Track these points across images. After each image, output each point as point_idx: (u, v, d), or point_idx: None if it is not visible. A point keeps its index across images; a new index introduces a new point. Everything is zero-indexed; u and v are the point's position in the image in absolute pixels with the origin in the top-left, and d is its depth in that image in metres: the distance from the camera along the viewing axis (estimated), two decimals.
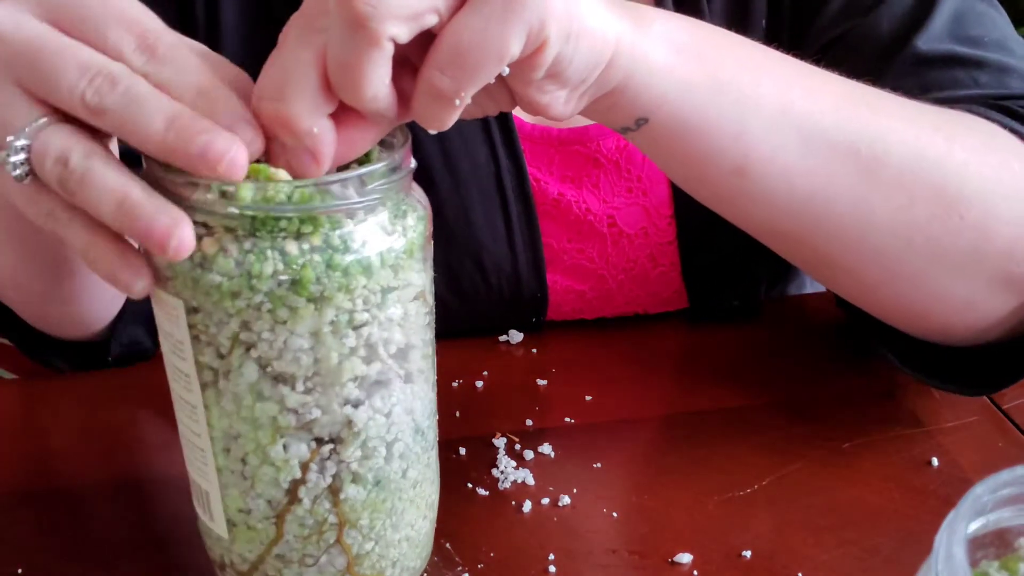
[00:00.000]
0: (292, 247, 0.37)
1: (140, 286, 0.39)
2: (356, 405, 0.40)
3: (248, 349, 0.39)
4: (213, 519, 0.44)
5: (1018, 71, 0.59)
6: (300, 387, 0.39)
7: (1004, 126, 0.53)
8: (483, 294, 0.68)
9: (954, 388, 0.58)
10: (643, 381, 0.65)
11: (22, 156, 0.37)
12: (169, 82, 0.37)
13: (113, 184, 0.37)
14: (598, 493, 0.55)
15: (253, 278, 0.37)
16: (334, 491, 0.42)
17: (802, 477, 0.55)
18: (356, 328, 0.39)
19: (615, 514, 0.53)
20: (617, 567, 0.50)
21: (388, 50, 0.36)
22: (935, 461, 0.56)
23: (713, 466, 0.57)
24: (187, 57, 0.38)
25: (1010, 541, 0.37)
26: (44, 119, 0.38)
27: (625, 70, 0.43)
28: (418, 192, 0.42)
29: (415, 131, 0.42)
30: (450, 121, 0.40)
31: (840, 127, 0.48)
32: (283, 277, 0.37)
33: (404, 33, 0.36)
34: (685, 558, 0.50)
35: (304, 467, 0.41)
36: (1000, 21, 0.62)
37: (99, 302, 0.60)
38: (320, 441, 0.41)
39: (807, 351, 0.65)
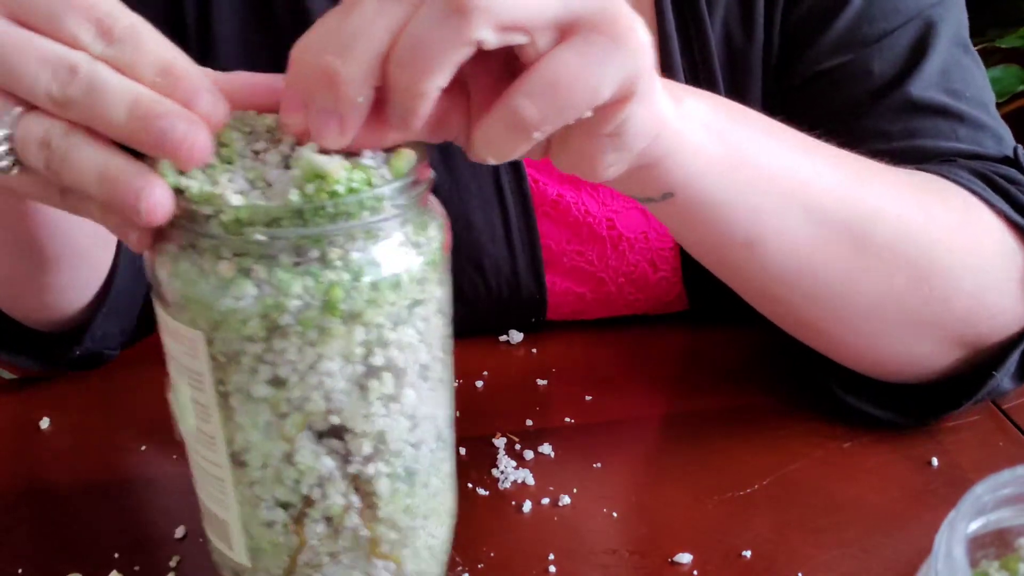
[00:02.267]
0: (317, 267, 0.35)
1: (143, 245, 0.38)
2: (380, 416, 0.39)
3: (273, 374, 0.37)
4: (233, 548, 0.43)
5: (992, 131, 0.62)
6: (323, 405, 0.38)
7: (982, 198, 0.56)
8: (482, 295, 0.68)
9: (892, 416, 0.59)
10: (643, 381, 0.65)
11: (5, 146, 0.37)
12: (130, 63, 0.37)
13: (94, 156, 0.36)
14: (598, 493, 0.55)
15: (278, 301, 0.35)
16: (355, 484, 0.40)
17: (802, 477, 0.55)
18: (384, 345, 0.38)
19: (615, 514, 0.53)
20: (617, 567, 0.50)
21: (472, 49, 0.35)
22: (935, 461, 0.56)
23: (713, 466, 0.57)
24: (146, 34, 0.37)
25: (1010, 541, 0.37)
26: (19, 109, 0.37)
27: (665, 148, 0.44)
28: (434, 202, 0.41)
29: None
30: (513, 154, 0.39)
31: (840, 205, 0.51)
32: (310, 299, 0.35)
33: (493, 40, 0.35)
34: (685, 558, 0.50)
35: (323, 469, 0.39)
36: (979, 77, 0.64)
37: (75, 291, 0.59)
38: (335, 437, 0.39)
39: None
